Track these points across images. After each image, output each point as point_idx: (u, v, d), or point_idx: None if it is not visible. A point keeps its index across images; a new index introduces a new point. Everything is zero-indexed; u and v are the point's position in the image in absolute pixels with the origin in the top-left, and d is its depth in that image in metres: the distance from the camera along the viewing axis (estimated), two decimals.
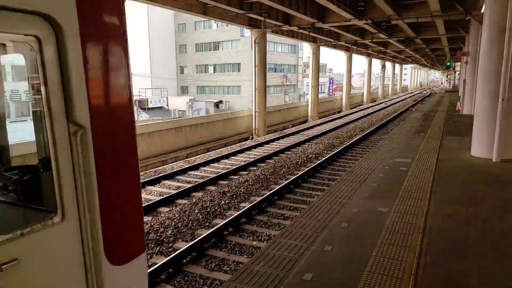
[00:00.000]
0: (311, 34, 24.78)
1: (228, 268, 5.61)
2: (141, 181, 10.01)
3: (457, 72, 50.88)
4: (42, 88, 1.86)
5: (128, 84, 2.24)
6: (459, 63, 40.50)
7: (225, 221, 7.04)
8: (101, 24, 2.09)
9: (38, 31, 1.79)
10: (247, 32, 30.11)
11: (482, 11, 9.79)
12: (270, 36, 26.36)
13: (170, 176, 11.19)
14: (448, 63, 35.15)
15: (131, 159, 2.31)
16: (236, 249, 6.27)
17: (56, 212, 1.94)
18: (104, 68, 2.16)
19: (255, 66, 21.77)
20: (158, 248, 6.29)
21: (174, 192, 9.27)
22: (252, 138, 21.16)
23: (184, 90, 50.58)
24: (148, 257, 5.97)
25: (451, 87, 58.79)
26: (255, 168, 12.15)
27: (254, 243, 6.53)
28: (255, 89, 21.99)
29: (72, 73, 1.92)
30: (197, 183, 9.98)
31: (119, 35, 2.18)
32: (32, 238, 1.81)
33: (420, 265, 3.80)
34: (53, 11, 1.79)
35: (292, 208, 8.30)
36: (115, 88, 2.23)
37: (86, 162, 2.00)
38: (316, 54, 30.90)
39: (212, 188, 9.84)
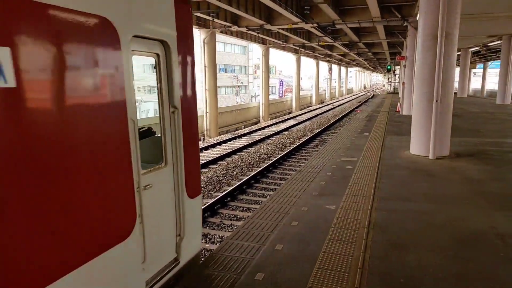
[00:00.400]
0: (260, 35, 25.09)
1: None
2: None
3: (397, 75, 53.94)
4: (158, 84, 3.33)
5: (194, 81, 3.85)
6: (398, 67, 42.97)
7: None
8: (185, 44, 3.62)
9: (158, 50, 3.31)
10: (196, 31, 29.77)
11: (417, 18, 10.48)
12: (219, 37, 26.29)
13: None
14: (388, 67, 37.06)
15: (196, 128, 3.92)
16: None
17: (162, 160, 3.44)
18: (188, 71, 3.71)
19: (205, 66, 21.61)
20: None
21: None
22: (204, 139, 20.96)
23: None
24: None
25: (392, 89, 62.23)
26: (207, 170, 12.07)
27: (207, 245, 6.49)
28: (206, 89, 21.83)
29: (173, 75, 3.42)
30: None
31: (192, 50, 3.79)
32: (155, 173, 3.32)
33: (366, 259, 4.00)
34: (167, 39, 3.31)
35: (244, 208, 8.35)
36: (191, 84, 3.76)
37: (177, 130, 3.49)
38: (266, 56, 31.31)
39: None
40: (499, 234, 4.63)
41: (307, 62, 48.21)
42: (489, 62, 46.02)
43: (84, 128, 2.47)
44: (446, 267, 3.85)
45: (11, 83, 1.99)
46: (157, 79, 3.36)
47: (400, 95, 25.55)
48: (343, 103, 46.49)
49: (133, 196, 2.93)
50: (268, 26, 20.98)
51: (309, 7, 18.80)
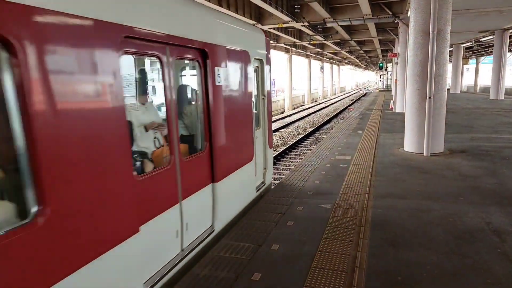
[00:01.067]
0: None
1: None
2: None
3: (389, 73, 54.23)
4: (257, 83, 6.36)
5: (270, 81, 6.83)
6: (390, 64, 43.19)
7: None
8: (268, 60, 6.61)
9: (258, 64, 6.35)
10: None
11: (408, 15, 10.49)
12: None
13: None
14: (380, 64, 37.27)
15: (271, 108, 6.95)
16: None
17: (259, 124, 6.39)
18: (269, 76, 6.73)
19: None
20: None
21: None
22: None
23: None
24: None
25: (384, 87, 62.53)
26: None
27: None
28: None
29: (264, 78, 6.55)
30: None
31: (269, 63, 6.81)
32: (257, 131, 6.27)
33: (363, 257, 3.96)
34: (262, 58, 6.36)
35: None
36: (269, 83, 6.71)
37: (265, 108, 6.60)
38: None
39: None
40: (495, 230, 4.62)
41: (300, 62, 48.15)
42: (482, 58, 46.38)
43: (247, 107, 5.68)
44: (443, 263, 3.82)
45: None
46: (256, 80, 6.39)
47: (392, 93, 25.66)
48: (336, 102, 46.60)
49: (253, 142, 5.94)
50: (258, 26, 20.93)
51: (299, 6, 18.79)
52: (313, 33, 24.46)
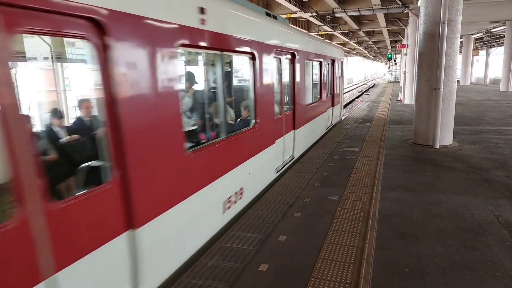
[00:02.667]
0: None
1: None
2: None
3: (398, 64, 53.58)
4: (342, 72, 14.38)
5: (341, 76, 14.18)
6: (399, 55, 42.65)
7: None
8: (342, 61, 14.55)
9: (338, 63, 13.26)
10: None
11: (418, 5, 10.31)
12: None
13: None
14: (389, 55, 36.76)
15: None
16: None
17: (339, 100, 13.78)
18: (341, 67, 14.46)
19: None
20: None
21: None
22: None
23: None
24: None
25: (393, 78, 61.86)
26: None
27: None
28: None
29: (341, 71, 14.52)
30: None
31: (341, 62, 14.21)
32: (337, 107, 13.92)
33: (370, 249, 3.96)
34: (337, 57, 13.22)
35: None
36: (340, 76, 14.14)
37: (341, 87, 14.35)
38: None
39: None
40: (505, 222, 4.58)
41: None
42: (492, 49, 45.61)
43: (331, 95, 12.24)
44: (451, 256, 3.80)
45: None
46: (341, 70, 13.82)
47: (401, 84, 25.38)
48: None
49: (332, 104, 12.50)
50: None
51: None
52: (322, 24, 24.20)
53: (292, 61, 7.52)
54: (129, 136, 2.87)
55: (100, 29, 2.60)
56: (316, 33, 28.75)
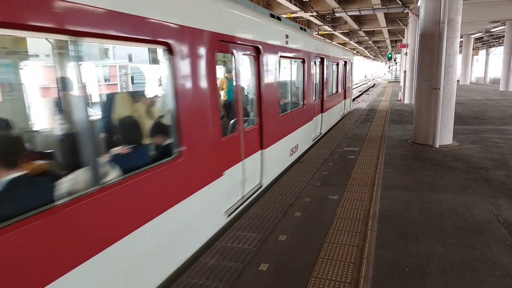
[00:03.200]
0: None
1: None
2: None
3: (398, 64, 53.55)
4: (352, 71, 17.77)
5: (348, 75, 16.34)
6: (399, 55, 42.62)
7: None
8: (352, 62, 17.47)
9: (349, 64, 16.15)
10: None
11: (418, 5, 10.31)
12: None
13: None
14: (389, 55, 36.71)
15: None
16: None
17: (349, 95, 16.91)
18: (352, 67, 17.27)
19: None
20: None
21: None
22: None
23: None
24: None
25: (393, 78, 61.82)
26: None
27: None
28: None
29: (352, 68, 17.54)
30: None
31: (351, 64, 16.89)
32: (347, 100, 16.85)
33: (370, 249, 3.97)
34: (348, 59, 16.01)
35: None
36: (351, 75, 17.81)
37: (350, 83, 17.89)
38: None
39: None
40: (504, 222, 4.59)
41: None
42: (492, 49, 45.62)
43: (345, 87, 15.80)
44: (451, 255, 3.81)
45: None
46: (351, 69, 16.87)
47: (401, 84, 25.36)
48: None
49: (349, 96, 17.15)
50: None
51: None
52: (322, 23, 24.20)
53: (322, 63, 10.52)
54: (264, 104, 5.73)
55: (259, 51, 5.55)
56: (316, 32, 28.75)
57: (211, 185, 4.13)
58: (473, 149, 8.59)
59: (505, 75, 27.14)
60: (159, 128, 3.94)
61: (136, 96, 4.71)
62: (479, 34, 36.43)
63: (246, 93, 5.80)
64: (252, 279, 3.47)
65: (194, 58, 3.76)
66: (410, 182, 6.30)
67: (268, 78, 5.94)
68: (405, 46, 21.69)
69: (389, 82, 54.80)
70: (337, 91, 13.49)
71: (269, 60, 5.93)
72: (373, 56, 79.98)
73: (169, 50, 3.38)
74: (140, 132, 3.67)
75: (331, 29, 27.44)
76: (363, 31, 30.96)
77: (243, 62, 5.15)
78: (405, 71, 21.74)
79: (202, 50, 3.91)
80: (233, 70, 5.04)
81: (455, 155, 8.01)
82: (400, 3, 17.92)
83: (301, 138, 8.48)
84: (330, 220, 4.75)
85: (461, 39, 35.02)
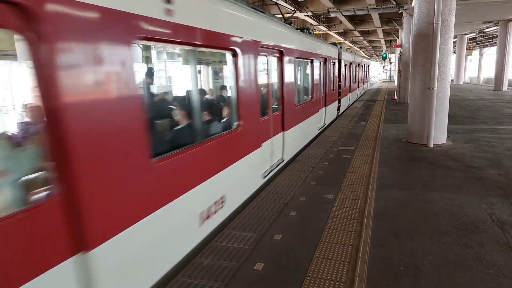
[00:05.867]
0: None
1: None
2: None
3: (393, 63, 53.77)
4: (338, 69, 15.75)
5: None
6: (394, 54, 42.79)
7: None
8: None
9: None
10: None
11: (412, 5, 10.37)
12: None
13: None
14: (384, 55, 36.87)
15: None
16: None
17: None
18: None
19: None
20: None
21: None
22: None
23: None
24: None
25: (388, 78, 62.08)
26: None
27: None
28: None
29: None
30: None
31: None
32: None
33: (365, 248, 3.98)
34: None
35: None
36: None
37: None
38: None
39: None
40: (497, 220, 4.63)
41: None
42: (485, 49, 45.97)
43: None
44: (445, 254, 3.83)
45: None
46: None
47: (396, 83, 25.47)
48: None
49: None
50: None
51: None
52: (317, 23, 24.24)
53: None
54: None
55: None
56: (312, 32, 28.76)
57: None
58: (467, 148, 8.65)
59: (498, 75, 27.36)
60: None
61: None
62: (472, 35, 36.68)
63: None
64: (247, 279, 3.46)
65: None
66: (404, 181, 6.33)
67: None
68: (400, 46, 21.78)
69: (383, 81, 55.00)
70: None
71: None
72: (368, 56, 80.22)
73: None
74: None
75: (326, 29, 27.50)
76: (358, 31, 31.06)
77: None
78: (400, 71, 21.84)
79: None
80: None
81: (449, 154, 8.07)
82: (395, 3, 18.01)
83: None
84: (325, 219, 4.76)
85: (455, 39, 35.26)
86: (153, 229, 3.13)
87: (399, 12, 18.93)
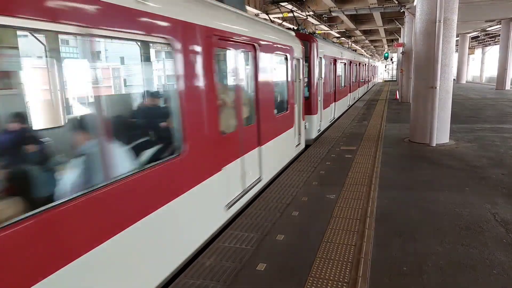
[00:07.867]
0: None
1: None
2: None
3: (395, 63, 53.63)
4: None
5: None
6: (396, 54, 42.66)
7: None
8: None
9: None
10: None
11: (414, 4, 10.33)
12: None
13: None
14: (386, 54, 36.73)
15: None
16: None
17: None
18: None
19: None
20: None
21: None
22: None
23: None
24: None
25: (389, 77, 61.92)
26: None
27: None
28: None
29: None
30: None
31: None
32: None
33: (368, 248, 3.96)
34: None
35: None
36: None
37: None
38: None
39: None
40: (501, 220, 4.60)
41: None
42: (488, 48, 45.82)
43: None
44: (449, 254, 3.81)
45: None
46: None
47: (398, 83, 25.41)
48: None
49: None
50: (263, 15, 20.71)
51: None
52: (318, 23, 24.20)
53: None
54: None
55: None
56: (313, 32, 28.72)
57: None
58: (470, 147, 8.61)
59: (501, 74, 27.24)
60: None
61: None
62: (475, 33, 36.56)
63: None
64: (249, 279, 3.45)
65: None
66: (407, 180, 6.31)
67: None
68: (402, 45, 21.72)
69: (385, 81, 54.89)
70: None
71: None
72: (370, 55, 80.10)
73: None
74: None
75: (328, 29, 27.46)
76: (360, 30, 30.99)
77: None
78: (402, 70, 21.78)
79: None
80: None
81: (452, 154, 8.03)
82: (397, 2, 17.97)
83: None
84: (327, 219, 4.74)
85: (457, 38, 35.11)
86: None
87: (401, 11, 18.88)
